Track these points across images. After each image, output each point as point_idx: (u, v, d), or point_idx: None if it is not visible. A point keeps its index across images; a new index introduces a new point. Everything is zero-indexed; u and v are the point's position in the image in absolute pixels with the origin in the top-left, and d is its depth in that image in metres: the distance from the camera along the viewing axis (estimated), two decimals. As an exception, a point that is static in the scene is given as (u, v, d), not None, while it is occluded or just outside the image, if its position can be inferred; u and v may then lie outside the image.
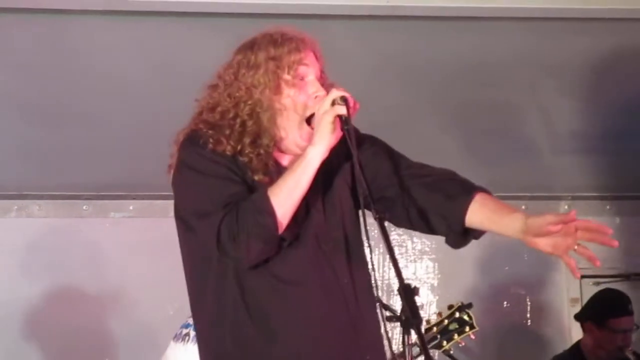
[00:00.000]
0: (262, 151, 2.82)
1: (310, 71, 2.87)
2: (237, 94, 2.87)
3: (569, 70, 4.90)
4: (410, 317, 2.43)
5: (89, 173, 5.32)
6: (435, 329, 4.32)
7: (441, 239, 2.96)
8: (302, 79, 2.85)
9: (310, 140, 2.76)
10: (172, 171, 2.99)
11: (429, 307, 5.71)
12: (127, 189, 5.52)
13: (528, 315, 5.81)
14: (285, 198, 2.70)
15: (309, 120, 2.82)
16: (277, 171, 2.82)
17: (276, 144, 2.86)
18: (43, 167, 5.27)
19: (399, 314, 2.61)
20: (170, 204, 5.44)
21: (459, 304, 4.37)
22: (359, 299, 2.83)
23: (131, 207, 5.58)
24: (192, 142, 2.93)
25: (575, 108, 5.21)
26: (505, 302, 5.82)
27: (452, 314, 4.34)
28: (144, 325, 5.36)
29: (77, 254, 5.42)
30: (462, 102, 5.07)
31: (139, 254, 5.39)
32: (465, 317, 4.34)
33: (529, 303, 5.81)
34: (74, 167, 5.26)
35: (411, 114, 5.03)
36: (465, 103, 5.08)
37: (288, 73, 2.84)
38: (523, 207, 5.87)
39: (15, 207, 5.51)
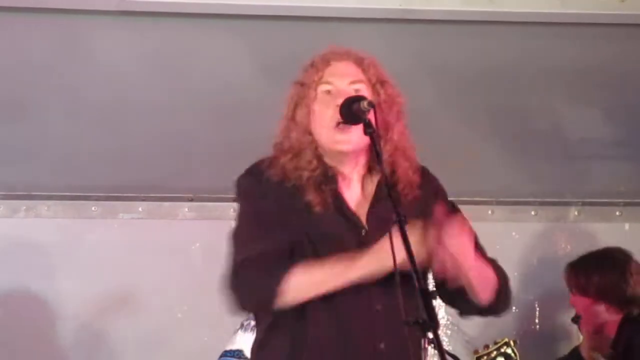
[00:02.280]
0: (307, 170, 2.85)
1: (337, 83, 2.88)
2: (279, 130, 2.97)
3: (580, 76, 4.89)
4: (427, 320, 2.43)
5: (98, 174, 5.32)
6: (485, 358, 4.52)
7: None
8: (328, 92, 2.85)
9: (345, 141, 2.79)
10: None
11: (437, 312, 5.69)
12: (136, 190, 5.51)
13: (537, 320, 5.79)
14: (304, 288, 2.73)
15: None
16: (337, 208, 2.84)
17: (335, 170, 2.89)
18: (52, 167, 5.27)
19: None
20: (178, 206, 5.54)
21: (506, 339, 4.54)
22: (389, 331, 2.79)
23: (140, 209, 5.57)
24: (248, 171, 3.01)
25: (586, 114, 5.20)
26: (514, 308, 5.78)
27: (500, 347, 4.54)
28: (152, 327, 5.35)
29: (86, 254, 5.42)
30: (471, 107, 5.06)
31: (147, 255, 5.37)
32: (510, 352, 4.53)
33: (537, 309, 5.79)
34: (83, 168, 5.26)
35: (421, 118, 5.01)
36: (475, 108, 5.07)
37: (315, 91, 2.88)
38: (532, 212, 5.86)
39: (24, 207, 5.50)
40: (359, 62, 2.92)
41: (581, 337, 5.31)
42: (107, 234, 5.50)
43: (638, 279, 4.71)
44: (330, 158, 2.88)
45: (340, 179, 2.88)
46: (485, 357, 4.52)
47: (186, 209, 5.54)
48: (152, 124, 4.97)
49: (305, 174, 2.83)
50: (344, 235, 2.82)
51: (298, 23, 4.33)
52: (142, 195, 5.56)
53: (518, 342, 4.60)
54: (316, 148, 2.86)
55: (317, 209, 2.79)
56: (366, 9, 4.24)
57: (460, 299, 2.90)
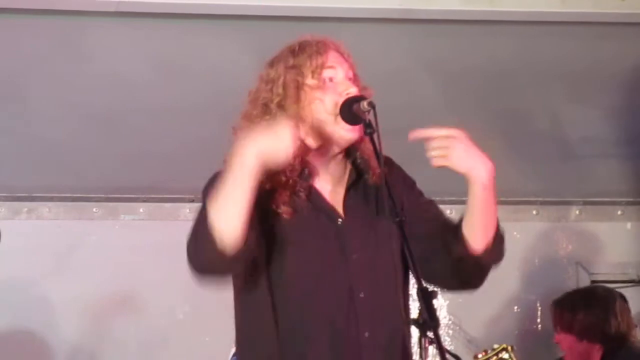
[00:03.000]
0: (286, 171, 2.73)
1: (337, 72, 2.80)
2: (254, 112, 2.83)
3: (582, 76, 4.89)
4: (428, 319, 2.43)
5: (100, 175, 5.33)
6: None
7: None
8: (330, 80, 2.80)
9: (353, 129, 2.72)
10: None
11: (439, 311, 5.69)
12: (137, 191, 5.52)
13: (539, 320, 5.80)
14: (222, 210, 2.58)
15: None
16: (310, 201, 2.76)
17: (308, 162, 2.78)
18: (53, 169, 5.27)
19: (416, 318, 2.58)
20: (180, 207, 5.53)
21: (504, 345, 4.59)
22: (374, 319, 2.72)
23: (141, 210, 5.58)
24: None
25: (587, 113, 5.20)
26: (515, 307, 5.80)
27: (497, 352, 4.58)
28: (153, 328, 5.36)
29: (87, 256, 5.42)
30: (473, 107, 5.06)
31: (148, 256, 5.38)
32: (508, 358, 4.59)
33: (539, 308, 5.79)
34: (84, 169, 5.26)
35: (421, 118, 5.01)
36: (476, 108, 5.07)
37: (313, 77, 2.77)
38: (534, 212, 5.87)
39: (25, 209, 5.51)
40: (346, 54, 2.88)
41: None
42: (108, 235, 5.51)
43: (623, 318, 4.73)
44: (317, 146, 2.80)
45: (314, 171, 2.81)
46: None
47: (187, 210, 5.54)
48: (153, 125, 4.98)
49: (284, 176, 2.74)
50: (320, 227, 2.78)
51: (299, 23, 4.33)
52: (144, 196, 5.57)
53: (515, 347, 4.63)
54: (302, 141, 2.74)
55: (291, 209, 2.73)
56: (366, 9, 4.24)
57: (451, 244, 2.80)
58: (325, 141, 2.78)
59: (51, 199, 5.50)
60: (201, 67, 4.68)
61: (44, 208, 5.52)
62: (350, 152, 2.86)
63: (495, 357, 4.59)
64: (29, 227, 5.47)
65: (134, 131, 5.03)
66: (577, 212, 5.93)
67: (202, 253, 2.61)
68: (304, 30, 4.33)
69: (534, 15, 4.38)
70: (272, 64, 2.88)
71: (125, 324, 5.40)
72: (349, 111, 2.73)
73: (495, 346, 4.61)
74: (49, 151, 5.14)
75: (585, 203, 5.92)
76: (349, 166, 2.87)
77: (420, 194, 2.99)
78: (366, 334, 2.72)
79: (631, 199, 5.93)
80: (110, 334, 5.38)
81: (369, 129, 2.67)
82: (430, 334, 2.53)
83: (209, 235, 2.55)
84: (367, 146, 2.79)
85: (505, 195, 5.79)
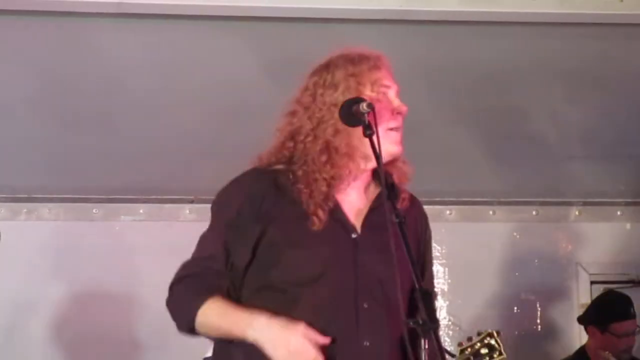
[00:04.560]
0: (326, 176, 2.79)
1: (392, 89, 2.89)
2: (318, 115, 2.84)
3: (581, 76, 4.89)
4: (428, 321, 2.43)
5: (99, 176, 5.32)
6: (469, 350, 4.50)
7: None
8: (384, 94, 2.85)
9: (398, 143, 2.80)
10: None
11: (439, 312, 5.69)
12: (137, 192, 5.52)
13: (538, 321, 5.80)
14: (207, 329, 2.82)
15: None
16: (331, 212, 2.80)
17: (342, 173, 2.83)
18: (53, 170, 5.27)
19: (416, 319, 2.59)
20: (179, 208, 5.53)
21: (489, 331, 4.53)
22: (374, 329, 2.76)
23: (141, 211, 5.58)
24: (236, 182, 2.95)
25: (586, 114, 5.20)
26: (515, 308, 5.80)
27: (483, 339, 4.52)
28: (153, 328, 5.35)
29: (87, 257, 5.42)
30: (473, 107, 5.06)
31: (148, 257, 5.38)
32: (494, 344, 4.52)
33: (539, 309, 5.79)
34: (84, 170, 5.26)
35: (422, 119, 5.03)
36: (476, 108, 5.07)
37: (372, 90, 2.83)
38: (534, 212, 5.87)
39: (25, 210, 5.51)
40: (392, 71, 2.94)
41: (585, 337, 5.33)
42: (108, 236, 5.50)
43: None
44: (360, 161, 2.85)
45: (341, 183, 2.85)
46: (469, 350, 4.50)
47: (187, 211, 5.56)
48: (153, 126, 4.98)
49: (319, 187, 2.78)
50: (335, 238, 2.82)
51: (299, 24, 4.34)
52: (143, 197, 5.57)
53: (502, 332, 4.57)
54: (351, 149, 2.81)
55: (317, 219, 2.77)
56: (367, 10, 4.25)
57: None
58: (368, 152, 2.78)
59: (51, 200, 5.51)
60: (201, 68, 4.68)
61: (43, 209, 5.52)
62: (376, 172, 2.87)
63: (480, 344, 4.54)
64: (29, 228, 5.47)
65: (134, 132, 5.03)
66: (577, 212, 5.93)
67: (179, 327, 2.86)
68: (304, 31, 4.36)
69: (534, 17, 4.38)
70: (327, 68, 2.90)
71: (125, 325, 5.40)
72: (349, 112, 2.73)
73: (481, 332, 4.56)
74: (48, 152, 5.14)
75: (585, 204, 5.92)
76: (375, 184, 2.90)
77: (431, 250, 3.07)
78: (366, 343, 2.75)
79: (630, 200, 5.93)
80: (109, 335, 5.38)
81: (369, 131, 2.68)
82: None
83: (186, 325, 2.81)
84: (398, 168, 2.87)
85: (505, 196, 5.81)
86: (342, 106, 2.75)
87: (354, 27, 4.31)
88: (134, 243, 5.47)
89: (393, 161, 2.88)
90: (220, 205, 2.92)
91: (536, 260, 5.82)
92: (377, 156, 2.68)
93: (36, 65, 4.59)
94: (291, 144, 2.85)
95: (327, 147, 2.81)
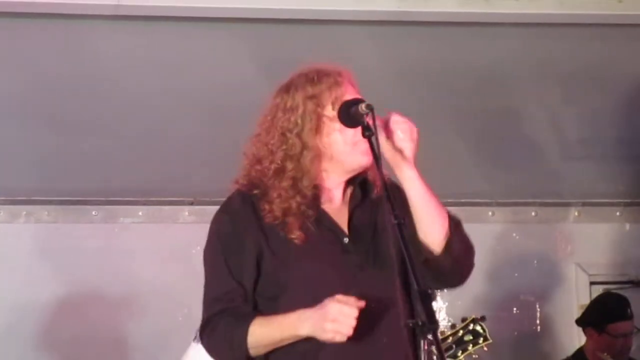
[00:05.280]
0: (298, 199, 2.80)
1: None
2: (272, 141, 2.87)
3: (580, 77, 4.89)
4: (426, 321, 2.43)
5: (98, 178, 5.32)
6: (450, 339, 4.43)
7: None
8: None
9: (367, 153, 2.75)
10: None
11: (438, 313, 5.69)
12: (136, 194, 5.52)
13: (538, 321, 5.80)
14: (260, 346, 2.77)
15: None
16: (319, 222, 2.83)
17: (318, 187, 2.85)
18: (52, 172, 5.27)
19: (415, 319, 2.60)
20: (178, 209, 5.54)
21: (473, 317, 4.47)
22: (392, 326, 2.77)
23: (140, 213, 5.58)
24: (221, 209, 2.96)
25: (585, 114, 5.20)
26: (514, 309, 5.80)
27: (467, 325, 4.46)
28: (153, 330, 5.36)
29: (86, 259, 5.42)
30: (471, 108, 5.06)
31: (147, 259, 5.39)
32: (479, 329, 4.46)
33: (538, 309, 5.79)
34: (83, 172, 5.26)
35: (419, 120, 5.02)
36: (474, 109, 5.07)
37: (334, 109, 2.83)
38: (533, 213, 5.87)
39: (24, 212, 5.51)
40: (353, 81, 2.94)
41: (584, 338, 5.33)
42: (107, 238, 5.50)
43: None
44: (333, 173, 2.88)
45: (323, 195, 2.88)
46: (450, 338, 4.45)
47: (186, 213, 5.56)
48: (151, 128, 4.98)
49: (296, 201, 2.80)
50: (328, 246, 2.85)
51: (296, 26, 4.34)
52: (143, 199, 5.57)
53: (486, 317, 4.52)
54: (309, 171, 2.82)
55: (303, 234, 2.80)
56: (364, 12, 4.25)
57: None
58: (340, 169, 2.87)
59: (50, 202, 5.50)
60: (200, 71, 4.68)
61: (43, 211, 5.51)
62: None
63: (462, 331, 4.48)
64: (28, 231, 5.47)
65: (132, 134, 5.03)
66: (576, 213, 5.93)
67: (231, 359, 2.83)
68: (301, 32, 4.36)
69: (532, 17, 4.39)
70: (287, 90, 2.92)
71: (125, 327, 5.40)
72: (347, 113, 2.75)
73: (465, 317, 4.51)
74: (48, 155, 5.14)
75: (584, 204, 5.92)
76: (352, 187, 2.93)
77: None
78: (385, 340, 2.78)
79: (629, 200, 5.93)
80: (109, 337, 5.38)
81: (368, 132, 2.69)
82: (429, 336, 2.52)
83: (239, 354, 2.78)
84: (373, 167, 2.85)
85: (504, 197, 5.81)
86: (341, 107, 2.78)
87: (351, 29, 4.32)
88: (133, 245, 5.47)
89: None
90: (219, 235, 2.95)
91: (535, 261, 5.82)
92: (377, 157, 2.69)
93: (34, 67, 4.59)
94: (259, 167, 2.88)
95: (283, 172, 2.83)
